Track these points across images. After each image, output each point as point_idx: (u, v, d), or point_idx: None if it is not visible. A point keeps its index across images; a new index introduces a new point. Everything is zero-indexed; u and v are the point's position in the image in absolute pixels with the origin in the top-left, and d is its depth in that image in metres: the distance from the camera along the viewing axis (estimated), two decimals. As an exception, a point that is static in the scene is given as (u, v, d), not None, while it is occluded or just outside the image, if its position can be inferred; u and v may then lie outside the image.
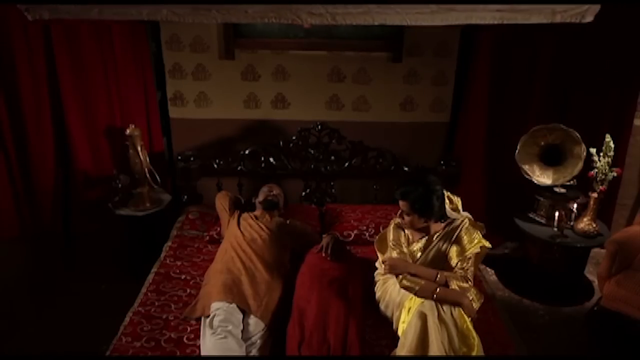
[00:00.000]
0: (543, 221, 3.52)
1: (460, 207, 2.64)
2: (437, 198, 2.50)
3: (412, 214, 2.52)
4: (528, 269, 3.65)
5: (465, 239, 2.50)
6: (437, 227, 2.58)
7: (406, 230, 2.65)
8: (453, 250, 2.50)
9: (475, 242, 2.47)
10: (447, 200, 2.57)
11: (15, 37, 3.27)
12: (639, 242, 3.10)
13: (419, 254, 2.56)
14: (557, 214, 3.35)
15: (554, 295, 3.49)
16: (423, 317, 2.25)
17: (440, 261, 2.53)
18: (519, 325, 2.82)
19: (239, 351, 2.25)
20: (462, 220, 2.55)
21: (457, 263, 2.47)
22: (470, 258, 2.46)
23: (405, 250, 2.59)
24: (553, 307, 3.43)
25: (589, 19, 2.52)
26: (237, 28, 3.67)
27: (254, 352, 2.32)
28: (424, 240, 2.58)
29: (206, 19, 2.52)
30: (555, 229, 3.36)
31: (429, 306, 2.29)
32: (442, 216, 2.57)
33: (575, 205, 3.42)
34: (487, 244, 2.49)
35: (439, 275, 2.42)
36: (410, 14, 2.44)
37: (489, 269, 3.83)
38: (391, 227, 2.70)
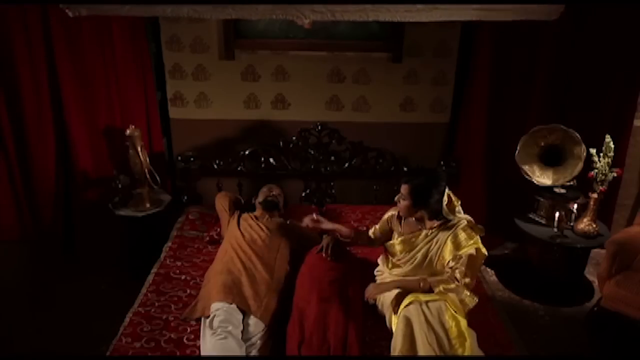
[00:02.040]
0: (543, 222, 3.52)
1: (460, 209, 2.59)
2: (437, 192, 2.49)
3: (409, 199, 2.53)
4: (528, 269, 3.65)
5: (460, 237, 2.45)
6: (431, 224, 2.56)
7: (402, 221, 2.68)
8: (447, 249, 2.46)
9: (471, 242, 2.43)
10: (445, 199, 2.51)
11: (16, 38, 3.27)
12: (639, 242, 3.10)
13: (413, 244, 2.56)
14: (557, 214, 3.36)
15: (554, 296, 3.49)
16: (408, 322, 2.23)
17: (432, 261, 2.51)
18: (519, 326, 2.82)
19: (239, 352, 2.25)
20: (460, 220, 2.52)
21: (448, 262, 2.44)
22: (462, 258, 2.40)
23: (395, 242, 2.64)
24: (553, 307, 3.43)
25: (554, 17, 2.95)
26: (237, 28, 3.67)
27: (254, 352, 2.32)
28: (420, 233, 2.57)
29: (222, 15, 2.90)
30: (555, 230, 3.36)
31: (413, 310, 2.26)
32: (437, 212, 2.52)
33: (575, 206, 3.42)
34: (484, 250, 2.44)
35: (422, 284, 2.40)
36: (400, 11, 2.80)
37: (489, 270, 3.83)
38: (385, 217, 2.79)
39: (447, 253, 2.46)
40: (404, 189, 2.54)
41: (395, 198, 2.61)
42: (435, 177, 2.54)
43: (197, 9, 2.77)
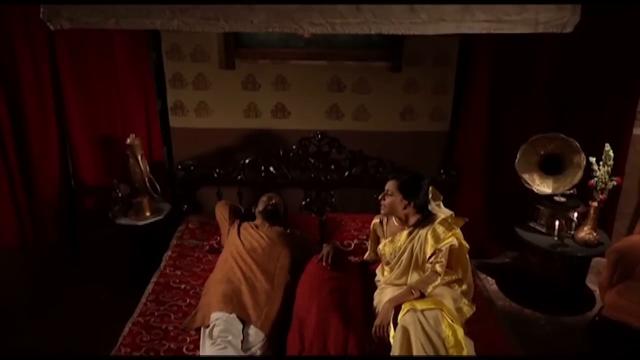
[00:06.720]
0: (543, 230, 3.51)
1: (441, 204, 2.67)
2: (425, 186, 2.58)
3: (397, 194, 2.57)
4: (529, 278, 3.63)
5: (438, 230, 2.47)
6: (414, 220, 2.59)
7: (384, 226, 2.75)
8: (428, 245, 2.47)
9: (450, 234, 2.44)
10: (430, 194, 2.59)
11: (19, 47, 3.29)
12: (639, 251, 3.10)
13: (398, 245, 2.59)
14: (557, 223, 3.35)
15: (555, 305, 3.48)
16: (405, 331, 2.21)
17: (418, 260, 2.52)
18: (520, 335, 2.80)
19: (239, 362, 2.25)
20: (439, 215, 2.55)
21: (429, 257, 2.46)
22: (442, 251, 2.42)
23: (382, 246, 2.68)
24: (554, 316, 3.42)
25: (569, 29, 2.61)
26: (238, 38, 3.69)
27: (253, 362, 2.32)
28: (402, 233, 2.60)
29: (215, 29, 2.61)
30: (556, 238, 3.36)
31: (410, 319, 2.23)
32: (424, 206, 2.58)
33: (575, 214, 3.42)
34: (464, 243, 2.48)
35: (413, 292, 2.37)
36: (404, 24, 2.56)
37: (489, 278, 3.82)
38: (371, 228, 2.85)
39: (429, 249, 2.47)
40: (391, 185, 2.60)
41: (380, 197, 2.65)
42: (419, 174, 2.67)
43: (187, 21, 2.56)
